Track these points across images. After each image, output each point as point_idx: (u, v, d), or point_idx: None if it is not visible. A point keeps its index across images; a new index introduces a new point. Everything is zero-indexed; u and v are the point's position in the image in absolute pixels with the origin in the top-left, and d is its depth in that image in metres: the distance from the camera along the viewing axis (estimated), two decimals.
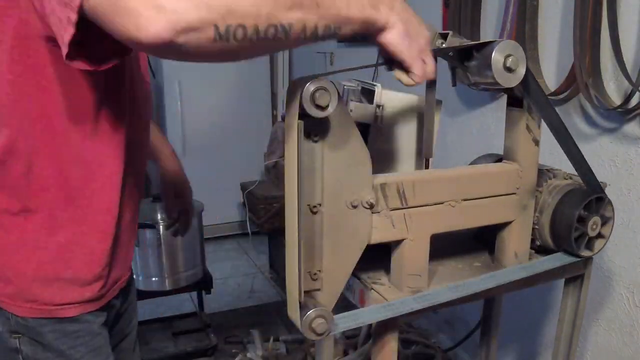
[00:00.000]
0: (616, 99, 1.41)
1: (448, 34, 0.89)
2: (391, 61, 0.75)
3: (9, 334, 0.88)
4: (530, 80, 0.87)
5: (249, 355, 2.16)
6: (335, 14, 0.65)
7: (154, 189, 3.54)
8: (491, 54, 0.81)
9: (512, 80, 0.84)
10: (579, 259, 1.01)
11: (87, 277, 0.90)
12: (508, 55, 0.82)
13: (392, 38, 0.72)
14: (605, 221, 1.00)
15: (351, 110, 0.99)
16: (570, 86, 1.52)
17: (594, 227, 0.99)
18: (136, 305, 1.18)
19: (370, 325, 0.90)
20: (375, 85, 1.01)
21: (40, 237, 0.85)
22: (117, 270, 0.97)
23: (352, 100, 1.00)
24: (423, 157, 1.03)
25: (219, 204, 3.45)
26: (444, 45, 0.89)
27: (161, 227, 2.22)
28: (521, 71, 0.84)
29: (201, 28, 0.57)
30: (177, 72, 3.31)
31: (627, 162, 1.44)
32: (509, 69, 0.82)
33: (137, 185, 0.98)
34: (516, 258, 0.99)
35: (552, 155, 1.61)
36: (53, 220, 0.85)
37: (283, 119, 3.44)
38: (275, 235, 3.06)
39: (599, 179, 0.99)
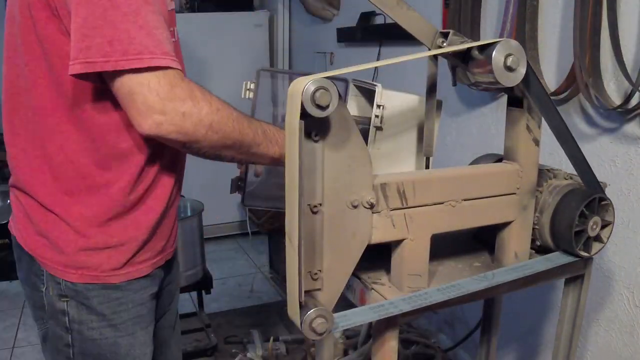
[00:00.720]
0: (616, 99, 1.41)
1: (449, 32, 0.89)
2: None
3: (58, 297, 0.99)
4: (531, 79, 0.87)
5: (249, 355, 2.16)
6: (254, 153, 0.94)
7: None
8: (492, 54, 0.81)
9: (513, 80, 0.84)
10: (579, 259, 1.01)
11: (132, 246, 1.00)
12: (508, 55, 0.82)
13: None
14: (605, 222, 1.00)
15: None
16: (570, 86, 1.52)
17: (594, 227, 0.99)
18: (178, 286, 1.29)
19: (371, 324, 0.90)
20: (375, 85, 1.01)
21: (89, 213, 0.97)
22: (161, 240, 1.06)
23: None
24: (423, 156, 1.03)
25: (219, 204, 3.45)
26: (445, 44, 0.89)
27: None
28: (522, 70, 0.84)
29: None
30: None
31: (627, 162, 1.44)
32: (509, 68, 0.82)
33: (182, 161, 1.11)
34: (516, 258, 0.99)
35: (552, 155, 1.61)
36: None
37: (283, 119, 3.44)
38: (275, 235, 3.06)
39: (599, 179, 0.99)
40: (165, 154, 1.01)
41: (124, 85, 0.83)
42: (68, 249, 0.97)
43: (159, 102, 0.82)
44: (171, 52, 0.85)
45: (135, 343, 1.05)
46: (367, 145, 0.94)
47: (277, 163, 0.97)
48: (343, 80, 1.12)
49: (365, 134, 1.00)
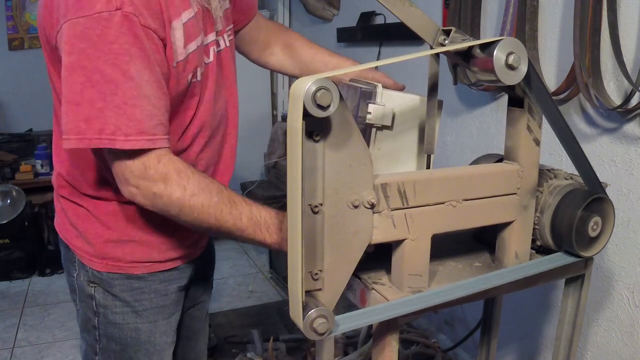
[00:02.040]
0: (616, 99, 1.41)
1: (451, 30, 0.89)
2: None
3: (87, 282, 1.08)
4: (532, 77, 0.87)
5: (249, 355, 2.16)
6: (238, 237, 0.94)
7: None
8: (493, 52, 0.81)
9: (514, 78, 0.84)
10: (580, 259, 1.01)
11: (155, 241, 1.06)
12: (510, 53, 0.82)
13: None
14: (605, 221, 1.00)
15: (369, 113, 0.98)
16: (570, 86, 1.52)
17: (595, 227, 0.99)
18: (212, 280, 1.35)
19: (371, 325, 0.90)
20: (376, 85, 1.01)
21: (117, 211, 1.04)
22: (187, 239, 1.11)
23: (369, 102, 0.99)
24: (424, 153, 1.03)
25: None
26: (446, 41, 0.89)
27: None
28: (523, 69, 0.84)
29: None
30: None
31: (627, 162, 1.44)
32: (510, 67, 0.82)
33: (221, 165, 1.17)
34: (517, 258, 0.99)
35: (553, 155, 1.61)
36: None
37: (283, 119, 3.44)
38: None
39: (599, 179, 0.99)
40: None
41: (105, 155, 0.91)
42: (95, 240, 1.06)
43: (133, 178, 0.88)
44: (152, 129, 0.86)
45: (156, 331, 1.11)
46: (367, 145, 0.93)
47: (274, 248, 0.95)
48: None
49: (366, 134, 1.00)
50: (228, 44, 1.10)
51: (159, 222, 1.04)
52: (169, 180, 0.88)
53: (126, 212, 1.04)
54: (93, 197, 1.05)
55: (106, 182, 1.03)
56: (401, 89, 1.14)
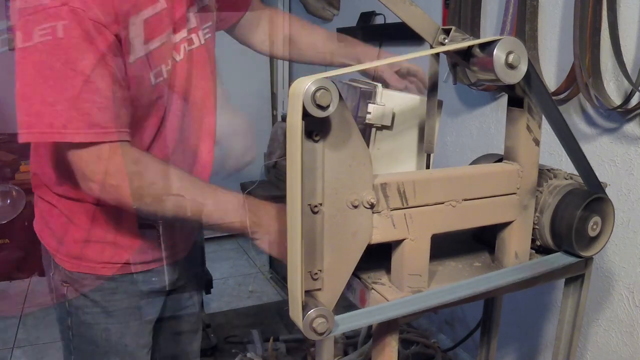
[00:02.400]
0: (616, 99, 1.41)
1: (451, 29, 0.89)
2: None
3: (61, 282, 1.08)
4: (532, 76, 0.87)
5: (249, 355, 2.16)
6: (209, 224, 0.93)
7: None
8: (493, 51, 0.81)
9: (514, 77, 0.84)
10: (580, 259, 1.01)
11: (126, 243, 1.06)
12: (510, 52, 0.82)
13: (262, 246, 0.96)
14: (605, 221, 1.00)
15: (369, 113, 0.98)
16: (570, 86, 1.52)
17: (595, 227, 0.99)
18: (202, 283, 1.39)
19: (371, 325, 0.90)
20: (376, 85, 1.01)
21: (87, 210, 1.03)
22: (163, 243, 1.10)
23: (369, 102, 0.99)
24: (424, 152, 1.03)
25: None
26: (446, 40, 0.89)
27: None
28: (522, 68, 0.84)
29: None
30: None
31: (627, 162, 1.44)
32: (510, 66, 0.82)
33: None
34: (516, 258, 0.99)
35: (552, 155, 1.61)
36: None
37: (283, 119, 3.44)
38: None
39: (599, 179, 0.99)
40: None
41: (61, 150, 0.88)
42: (66, 239, 1.06)
43: (90, 172, 0.87)
44: (105, 122, 0.85)
45: (127, 332, 1.10)
46: (367, 145, 0.93)
47: (241, 232, 0.94)
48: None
49: (365, 134, 1.00)
50: (203, 42, 1.07)
51: (131, 223, 1.04)
52: (124, 171, 0.87)
53: (97, 212, 1.03)
54: (65, 197, 1.05)
55: (75, 182, 1.02)
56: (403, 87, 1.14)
